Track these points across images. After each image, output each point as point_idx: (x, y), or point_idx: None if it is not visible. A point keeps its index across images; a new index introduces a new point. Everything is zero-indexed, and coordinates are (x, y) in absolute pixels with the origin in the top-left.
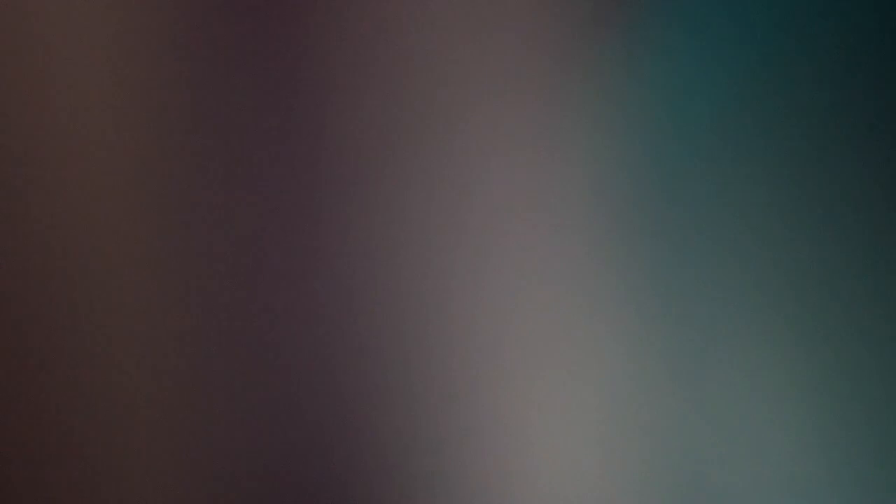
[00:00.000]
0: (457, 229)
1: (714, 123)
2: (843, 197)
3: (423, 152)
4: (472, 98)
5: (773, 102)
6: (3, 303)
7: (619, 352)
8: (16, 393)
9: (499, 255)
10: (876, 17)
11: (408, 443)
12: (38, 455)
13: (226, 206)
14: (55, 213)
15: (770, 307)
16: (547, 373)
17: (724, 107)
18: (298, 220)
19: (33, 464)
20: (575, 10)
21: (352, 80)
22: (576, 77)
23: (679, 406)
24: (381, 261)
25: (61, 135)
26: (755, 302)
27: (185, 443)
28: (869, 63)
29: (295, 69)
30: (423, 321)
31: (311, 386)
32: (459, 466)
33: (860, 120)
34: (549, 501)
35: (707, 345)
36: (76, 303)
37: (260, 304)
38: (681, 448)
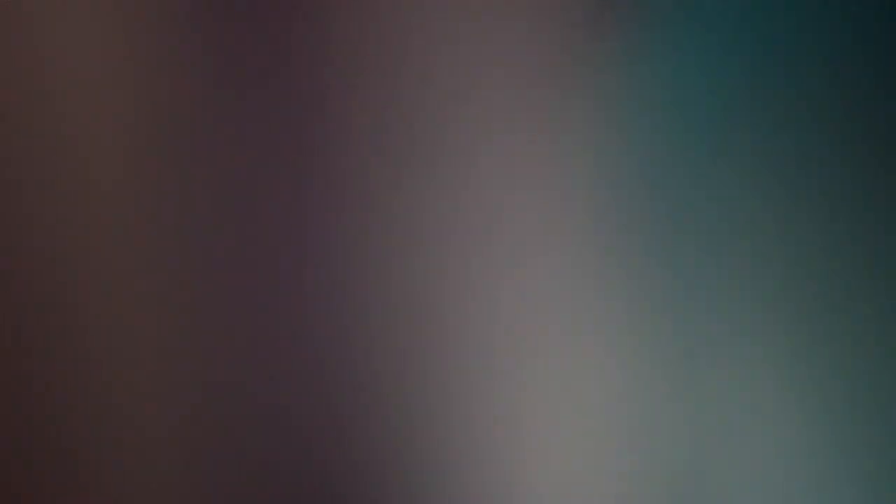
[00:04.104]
0: (456, 227)
1: (717, 119)
2: (848, 190)
3: (423, 148)
4: (474, 93)
5: (776, 97)
6: (2, 303)
7: (619, 351)
8: (15, 394)
9: (500, 252)
10: (878, 16)
11: (406, 444)
12: (38, 456)
13: (223, 207)
14: (54, 215)
15: (770, 307)
16: (546, 372)
17: (727, 100)
18: (299, 220)
19: (33, 464)
20: (577, 4)
21: (354, 77)
22: (580, 70)
23: (678, 406)
24: (382, 260)
25: (61, 135)
26: (756, 301)
27: (183, 443)
28: (871, 61)
29: (296, 58)
30: (422, 321)
31: (308, 387)
32: (459, 467)
33: (863, 118)
34: (549, 501)
35: (707, 345)
36: (75, 303)
37: (258, 306)
38: (680, 448)
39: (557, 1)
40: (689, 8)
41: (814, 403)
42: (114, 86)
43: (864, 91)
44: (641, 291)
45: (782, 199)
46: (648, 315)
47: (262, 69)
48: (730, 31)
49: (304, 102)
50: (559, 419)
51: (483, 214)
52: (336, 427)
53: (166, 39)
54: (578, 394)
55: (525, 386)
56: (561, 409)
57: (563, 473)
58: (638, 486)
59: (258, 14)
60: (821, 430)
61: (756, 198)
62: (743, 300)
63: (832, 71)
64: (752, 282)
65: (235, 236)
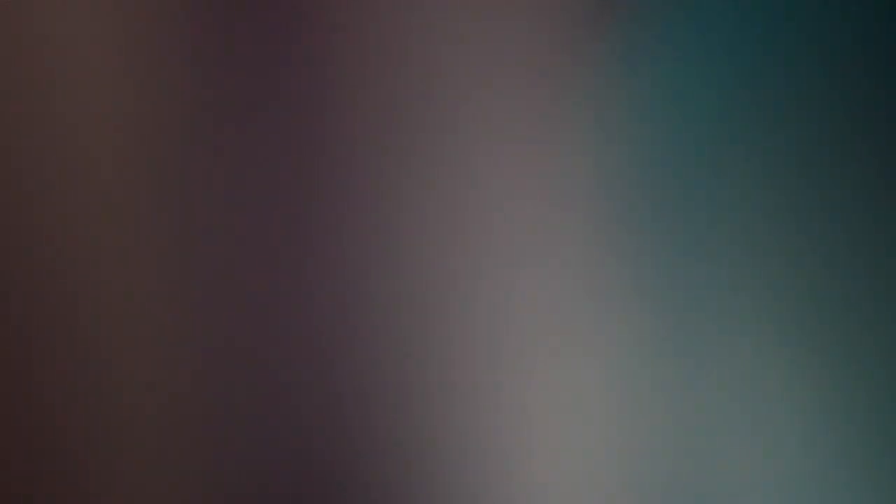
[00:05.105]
0: (457, 226)
1: (718, 116)
2: (848, 190)
3: (424, 146)
4: (476, 91)
5: (777, 94)
6: (3, 303)
7: (621, 350)
8: (15, 394)
9: (501, 251)
10: (878, 16)
11: (407, 443)
12: (38, 455)
13: (225, 206)
14: (55, 214)
15: (773, 305)
16: (548, 371)
17: (727, 99)
18: (299, 219)
19: (33, 464)
20: (577, 4)
21: (352, 77)
22: (580, 70)
23: (681, 404)
24: (383, 259)
25: (62, 135)
26: (758, 299)
27: (184, 443)
28: (874, 57)
29: (299, 54)
30: (423, 320)
31: (310, 386)
32: (459, 466)
33: (864, 116)
34: (550, 501)
35: (709, 343)
36: (75, 303)
37: (261, 305)
38: (682, 447)
39: (557, 1)
40: (689, 8)
41: (814, 403)
42: (115, 85)
43: (864, 93)
44: (642, 292)
45: (783, 199)
46: (648, 316)
47: (263, 68)
48: (730, 31)
49: (304, 103)
50: (561, 420)
51: (483, 214)
52: (339, 426)
53: (167, 38)
54: (580, 394)
55: (526, 386)
56: (562, 409)
57: (564, 474)
58: (640, 485)
59: (260, 13)
60: (820, 430)
61: (756, 198)
62: (743, 302)
63: (833, 72)
64: (753, 283)
65: (237, 235)
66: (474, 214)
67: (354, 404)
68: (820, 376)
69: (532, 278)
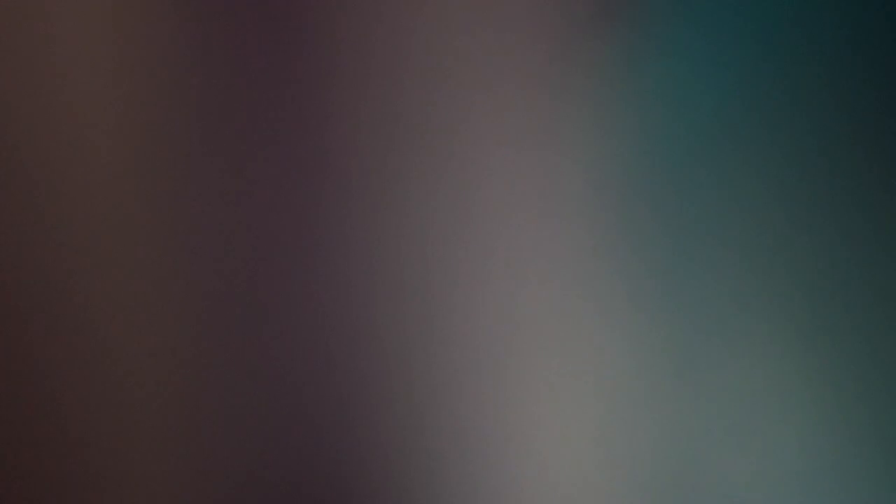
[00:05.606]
0: (458, 227)
1: (717, 120)
2: (847, 193)
3: (424, 149)
4: (475, 94)
5: (776, 98)
6: (3, 303)
7: (621, 350)
8: (16, 393)
9: (500, 253)
10: (878, 18)
11: (408, 442)
12: (38, 455)
13: (226, 206)
14: (55, 214)
15: (773, 304)
16: (548, 371)
17: (727, 103)
18: (300, 219)
19: (33, 464)
20: (578, 5)
21: (353, 78)
22: (579, 73)
23: (681, 404)
24: (383, 259)
25: (62, 135)
26: (758, 299)
27: (184, 442)
28: (873, 58)
29: (296, 63)
30: (425, 320)
31: (312, 385)
32: (459, 466)
33: (864, 116)
34: (550, 501)
35: (709, 343)
36: (76, 303)
37: (260, 304)
38: (683, 447)
39: (558, 4)
40: (690, 11)
41: (811, 406)
42: (116, 86)
43: (864, 94)
44: (641, 295)
45: (782, 205)
46: (652, 312)
47: (267, 69)
48: (729, 35)
49: (305, 107)
50: (561, 418)
51: (484, 217)
52: (341, 427)
53: (170, 37)
54: (581, 393)
55: (527, 384)
56: (563, 407)
57: (565, 476)
58: (640, 485)
59: (264, 13)
60: (827, 427)
61: (760, 194)
62: (742, 305)
63: (834, 74)
64: (757, 278)
65: (240, 236)
66: (475, 218)
67: (356, 405)
68: (817, 379)
69: (532, 281)
